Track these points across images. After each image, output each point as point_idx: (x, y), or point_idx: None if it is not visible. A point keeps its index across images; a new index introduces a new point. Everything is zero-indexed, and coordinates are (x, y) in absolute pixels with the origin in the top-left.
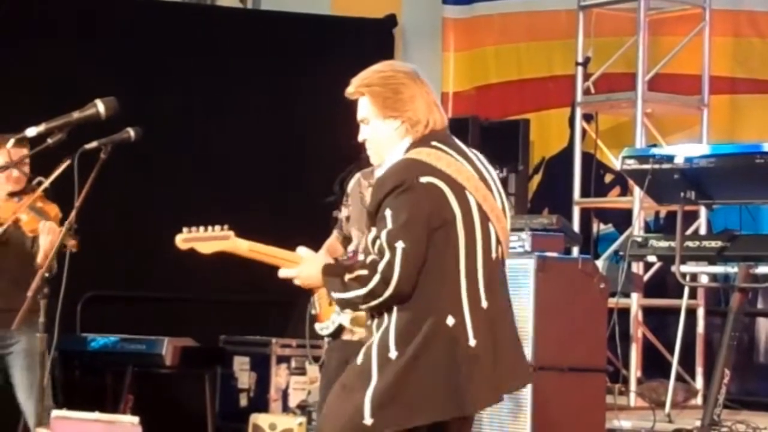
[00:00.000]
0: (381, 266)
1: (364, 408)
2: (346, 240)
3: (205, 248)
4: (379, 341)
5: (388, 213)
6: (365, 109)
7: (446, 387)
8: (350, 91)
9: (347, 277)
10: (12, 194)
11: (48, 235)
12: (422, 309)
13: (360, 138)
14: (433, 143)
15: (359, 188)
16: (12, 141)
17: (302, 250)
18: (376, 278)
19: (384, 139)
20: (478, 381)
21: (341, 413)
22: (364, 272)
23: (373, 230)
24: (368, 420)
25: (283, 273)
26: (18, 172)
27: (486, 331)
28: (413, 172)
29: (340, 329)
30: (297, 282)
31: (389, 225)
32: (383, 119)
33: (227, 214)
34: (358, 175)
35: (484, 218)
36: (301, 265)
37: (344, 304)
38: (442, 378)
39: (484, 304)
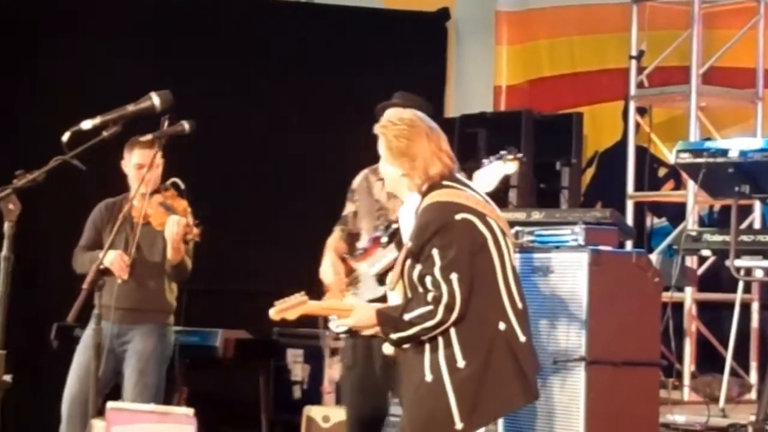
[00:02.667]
0: (444, 298)
1: (453, 415)
2: (352, 236)
3: (292, 315)
4: (444, 356)
5: (435, 252)
6: (381, 148)
7: (517, 381)
8: (375, 129)
9: (407, 316)
10: (146, 195)
11: (172, 227)
12: (477, 322)
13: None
14: (444, 183)
15: (366, 183)
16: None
17: (351, 300)
18: (441, 309)
19: (389, 179)
20: (533, 370)
21: (431, 426)
22: (429, 308)
23: (418, 267)
24: (459, 425)
25: (339, 323)
26: (149, 173)
27: (527, 327)
28: (448, 212)
29: None
30: (353, 328)
31: (438, 262)
32: (391, 164)
33: (282, 206)
34: (365, 171)
35: (503, 234)
36: (355, 314)
37: (404, 341)
38: (512, 374)
39: (519, 305)
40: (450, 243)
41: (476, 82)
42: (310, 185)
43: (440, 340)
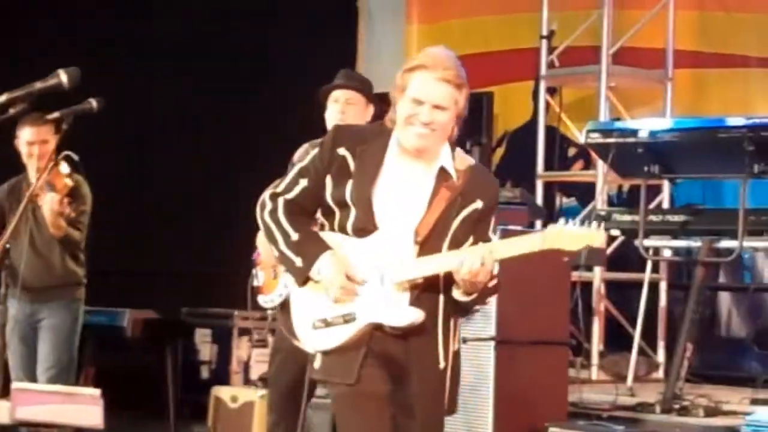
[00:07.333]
0: None
1: None
2: None
3: None
4: None
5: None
6: (452, 99)
7: None
8: (458, 80)
9: None
10: (40, 170)
11: (47, 205)
12: None
13: (428, 119)
14: None
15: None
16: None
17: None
18: None
19: (447, 132)
20: None
21: None
22: None
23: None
24: None
25: None
26: (39, 149)
27: None
28: None
29: (287, 302)
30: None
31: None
32: (456, 117)
33: (194, 185)
34: (305, 146)
35: None
36: None
37: None
38: None
39: None
40: None
41: (387, 61)
42: (223, 161)
43: None
